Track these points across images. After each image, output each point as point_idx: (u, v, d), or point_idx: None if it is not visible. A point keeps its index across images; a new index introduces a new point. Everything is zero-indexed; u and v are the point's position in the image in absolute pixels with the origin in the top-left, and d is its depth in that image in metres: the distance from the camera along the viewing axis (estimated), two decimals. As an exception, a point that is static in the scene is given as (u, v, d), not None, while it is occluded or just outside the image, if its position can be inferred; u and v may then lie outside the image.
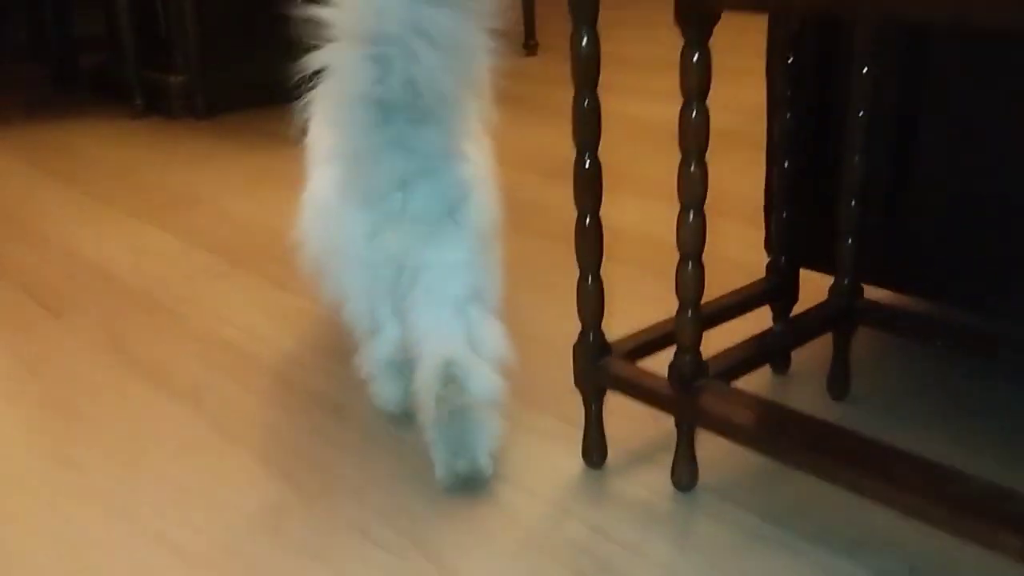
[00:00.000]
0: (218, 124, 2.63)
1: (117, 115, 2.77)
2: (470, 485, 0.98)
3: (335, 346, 1.27)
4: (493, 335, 1.02)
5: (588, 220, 0.90)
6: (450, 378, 0.97)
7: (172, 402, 1.17)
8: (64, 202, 1.99)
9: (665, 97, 2.65)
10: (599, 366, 0.95)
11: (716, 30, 0.79)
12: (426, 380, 0.97)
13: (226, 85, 2.70)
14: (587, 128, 0.87)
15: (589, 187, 0.89)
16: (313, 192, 1.07)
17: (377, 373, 1.09)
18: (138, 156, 2.34)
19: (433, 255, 1.00)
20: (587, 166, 0.88)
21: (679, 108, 0.81)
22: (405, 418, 1.08)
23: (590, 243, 0.91)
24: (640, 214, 1.73)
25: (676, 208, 0.85)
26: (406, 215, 0.98)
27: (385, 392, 1.10)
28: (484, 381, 0.98)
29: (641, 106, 2.53)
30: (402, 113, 0.93)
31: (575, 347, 0.96)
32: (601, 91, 0.86)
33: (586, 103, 0.86)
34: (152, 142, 2.48)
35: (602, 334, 0.95)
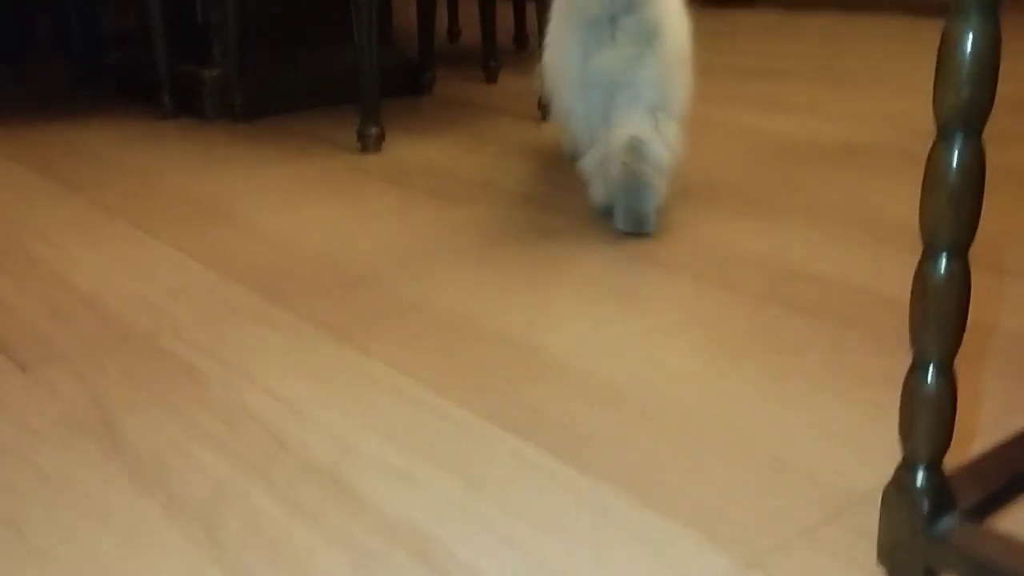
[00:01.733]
0: (258, 128, 2.23)
1: (143, 116, 2.39)
2: (639, 232, 1.31)
3: (395, 431, 0.85)
4: (673, 131, 1.32)
5: (945, 267, 0.48)
6: (634, 148, 1.27)
7: (181, 533, 0.75)
8: (64, 215, 1.60)
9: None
10: (939, 534, 0.52)
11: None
12: (615, 151, 1.28)
13: (269, 82, 2.31)
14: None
15: (963, 202, 0.47)
16: (550, 33, 1.40)
17: (592, 175, 1.35)
18: (162, 162, 1.94)
19: (633, 73, 1.28)
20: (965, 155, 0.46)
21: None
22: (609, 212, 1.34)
23: (945, 309, 0.49)
24: (866, 262, 1.31)
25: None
26: (615, 42, 1.27)
27: (597, 190, 1.37)
28: (660, 152, 1.29)
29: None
30: None
31: (890, 494, 0.53)
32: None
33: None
34: (180, 146, 2.09)
35: (945, 476, 0.52)
